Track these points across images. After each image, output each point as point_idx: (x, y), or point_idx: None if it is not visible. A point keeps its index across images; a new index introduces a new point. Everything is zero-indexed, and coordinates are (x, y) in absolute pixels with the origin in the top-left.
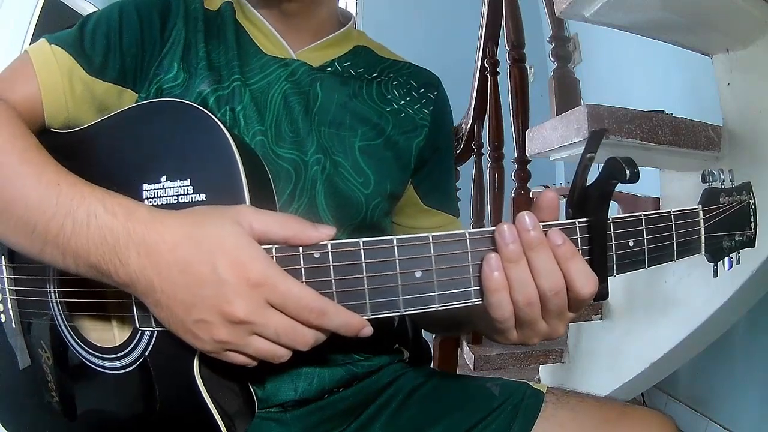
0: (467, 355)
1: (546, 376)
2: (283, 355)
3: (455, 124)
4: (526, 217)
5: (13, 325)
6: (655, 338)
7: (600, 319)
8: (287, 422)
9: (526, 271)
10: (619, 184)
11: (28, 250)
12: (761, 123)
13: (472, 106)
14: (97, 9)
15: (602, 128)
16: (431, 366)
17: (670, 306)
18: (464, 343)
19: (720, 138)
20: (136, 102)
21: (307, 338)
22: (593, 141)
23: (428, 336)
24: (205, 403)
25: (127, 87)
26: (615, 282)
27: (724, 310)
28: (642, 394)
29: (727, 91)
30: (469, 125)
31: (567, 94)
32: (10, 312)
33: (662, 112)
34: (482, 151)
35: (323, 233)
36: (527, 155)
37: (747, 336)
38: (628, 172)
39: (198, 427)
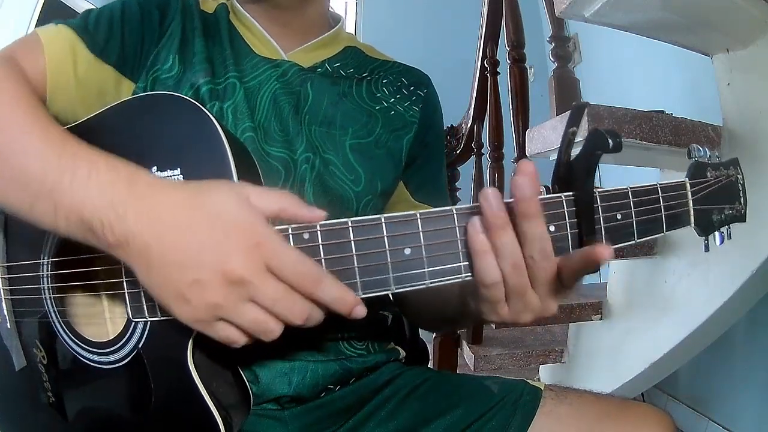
0: (467, 355)
1: (546, 375)
2: (275, 329)
3: (455, 124)
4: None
5: (8, 326)
6: (655, 338)
7: (600, 319)
8: (285, 420)
9: (511, 236)
10: (603, 155)
11: (18, 205)
12: (761, 123)
13: (472, 106)
14: (96, 7)
15: (583, 102)
16: (429, 366)
17: (670, 306)
18: (464, 343)
19: (720, 138)
20: (133, 92)
21: (302, 309)
22: (575, 115)
23: (427, 336)
24: (200, 393)
25: (125, 75)
26: (615, 282)
27: (724, 310)
28: (642, 394)
29: (727, 91)
30: (469, 125)
31: (567, 94)
32: (5, 312)
33: (662, 112)
34: (482, 151)
35: (316, 214)
36: (527, 155)
37: (747, 336)
38: (610, 141)
39: (194, 420)
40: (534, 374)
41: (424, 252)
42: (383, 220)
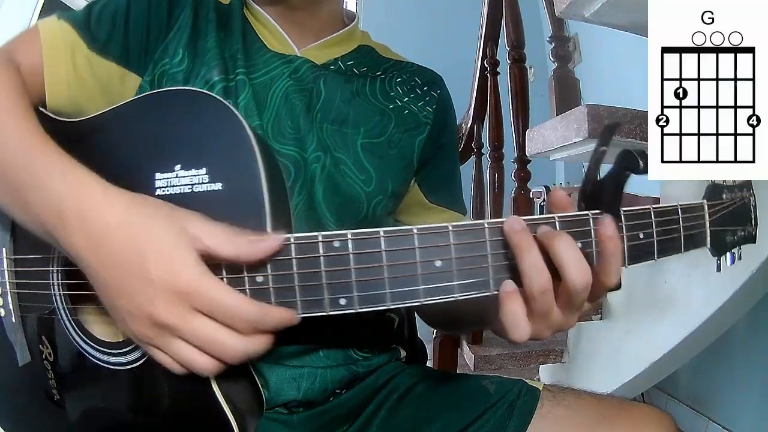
0: (467, 355)
1: (546, 375)
2: (204, 367)
3: None
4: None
5: (13, 320)
6: (655, 338)
7: (600, 319)
8: (293, 424)
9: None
10: (632, 175)
11: (8, 207)
12: None
13: (472, 106)
14: None
15: (615, 122)
16: (427, 365)
17: (670, 306)
18: (464, 343)
19: None
20: (140, 86)
21: (235, 351)
22: (606, 135)
23: (426, 336)
24: (216, 398)
25: (130, 70)
26: None
27: (724, 310)
28: (642, 394)
29: None
30: (469, 125)
31: (567, 94)
32: (10, 306)
33: None
34: (482, 151)
35: (270, 243)
36: (527, 155)
37: (747, 336)
38: (641, 163)
39: (209, 424)
40: (534, 374)
41: (454, 265)
42: (415, 231)
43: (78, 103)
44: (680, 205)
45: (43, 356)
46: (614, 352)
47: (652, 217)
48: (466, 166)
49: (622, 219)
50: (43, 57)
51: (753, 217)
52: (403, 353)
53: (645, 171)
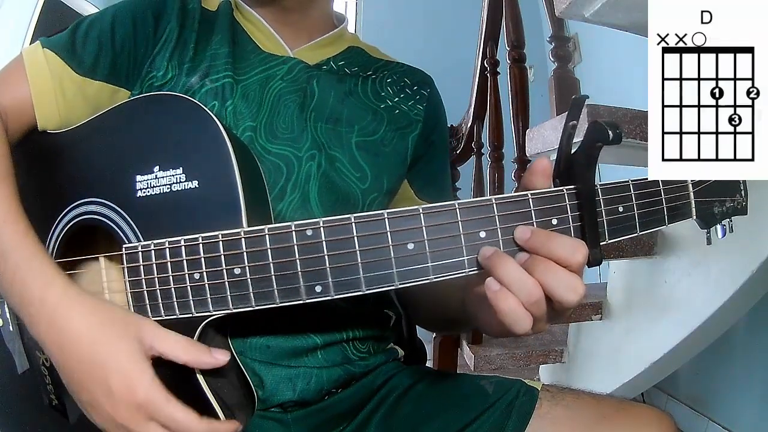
0: (467, 354)
1: (546, 376)
2: None
3: (455, 124)
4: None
5: (11, 328)
6: (655, 338)
7: (600, 319)
8: (288, 423)
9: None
10: (604, 149)
11: None
12: (761, 122)
13: (472, 106)
14: (97, 8)
15: (583, 96)
16: (427, 365)
17: (670, 306)
18: (464, 343)
19: None
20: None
21: None
22: (575, 109)
23: (426, 336)
24: (204, 393)
25: (120, 86)
26: (615, 282)
27: (724, 310)
28: (642, 394)
29: None
30: (469, 125)
31: (567, 94)
32: (8, 315)
33: None
34: (482, 151)
35: (218, 358)
36: (527, 155)
37: (747, 336)
38: (610, 133)
39: None
40: (534, 374)
41: (427, 247)
42: (386, 215)
43: (70, 123)
44: None
45: (40, 362)
46: (614, 352)
47: (632, 190)
48: (466, 166)
49: (599, 193)
50: (31, 91)
51: (742, 187)
52: (401, 353)
53: (615, 141)
